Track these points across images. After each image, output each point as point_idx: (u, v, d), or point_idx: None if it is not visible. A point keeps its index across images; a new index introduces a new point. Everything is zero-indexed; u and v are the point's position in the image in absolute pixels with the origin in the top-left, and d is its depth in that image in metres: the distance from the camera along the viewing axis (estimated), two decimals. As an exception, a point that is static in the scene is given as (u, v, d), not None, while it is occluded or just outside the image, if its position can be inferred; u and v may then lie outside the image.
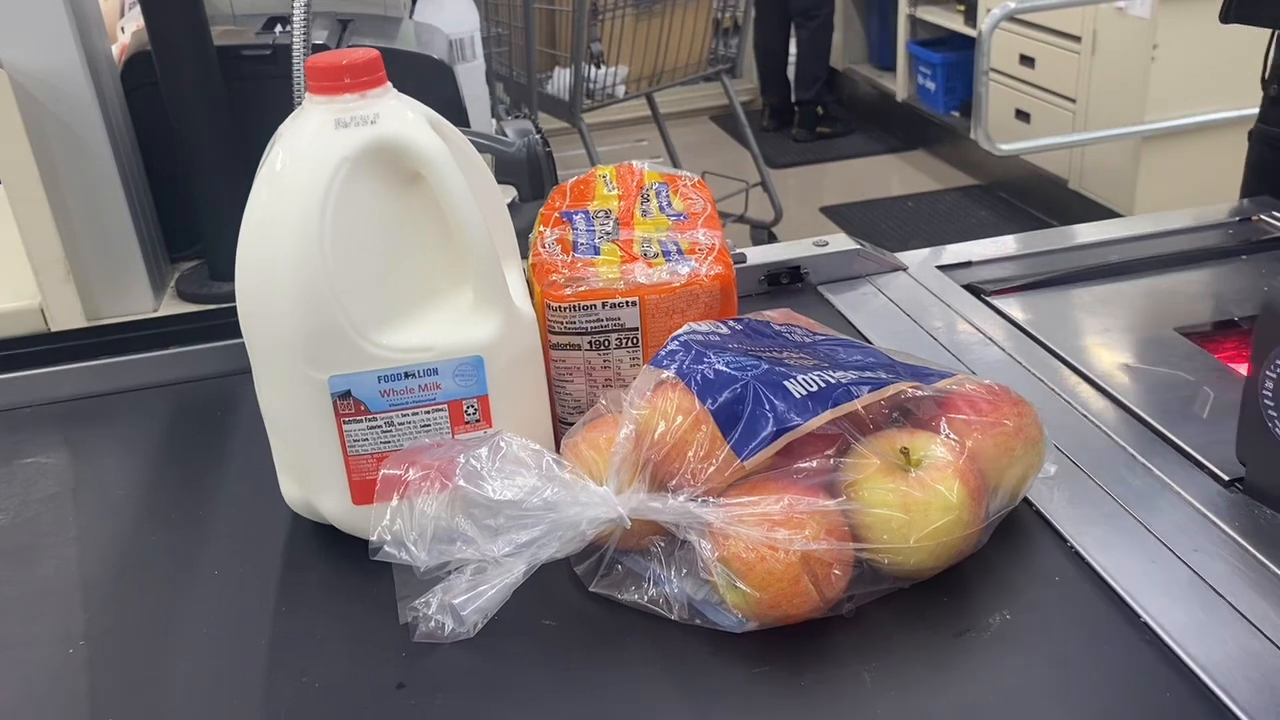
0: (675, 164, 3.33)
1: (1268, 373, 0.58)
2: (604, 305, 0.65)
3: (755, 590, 0.52)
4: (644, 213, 0.74)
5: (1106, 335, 0.79)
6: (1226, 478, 0.62)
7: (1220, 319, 0.79)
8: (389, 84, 0.57)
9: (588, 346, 0.66)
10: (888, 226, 3.47)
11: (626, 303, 0.65)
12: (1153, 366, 0.75)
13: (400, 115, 0.56)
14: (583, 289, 0.65)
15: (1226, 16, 0.52)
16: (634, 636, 0.55)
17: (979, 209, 3.54)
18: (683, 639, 0.54)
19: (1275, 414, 0.58)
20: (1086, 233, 0.97)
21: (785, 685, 0.52)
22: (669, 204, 0.75)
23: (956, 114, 3.79)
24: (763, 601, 0.52)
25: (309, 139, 0.56)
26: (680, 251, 0.69)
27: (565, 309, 0.64)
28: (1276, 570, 0.56)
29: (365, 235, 0.56)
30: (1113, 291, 0.87)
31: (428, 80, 1.07)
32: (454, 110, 1.08)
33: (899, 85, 4.07)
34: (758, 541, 0.52)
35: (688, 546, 0.54)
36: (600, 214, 0.73)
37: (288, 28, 0.95)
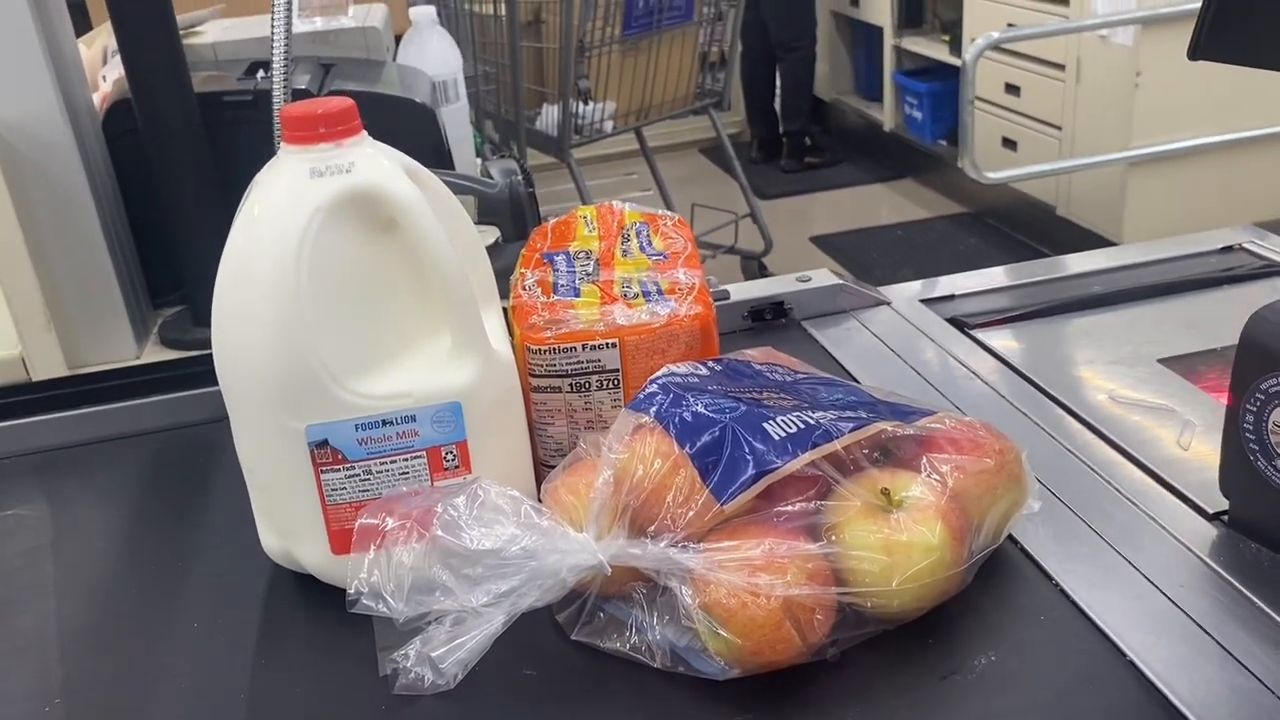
0: (664, 197, 3.35)
1: (1248, 405, 0.57)
2: (584, 347, 0.65)
3: (738, 637, 0.51)
4: (624, 253, 0.74)
5: (1090, 367, 0.79)
6: (1211, 511, 0.62)
7: (1202, 349, 0.79)
8: (365, 132, 0.58)
9: (569, 389, 0.65)
10: (878, 255, 3.48)
11: (606, 344, 0.65)
12: (1136, 399, 0.75)
13: (376, 163, 0.56)
14: (562, 331, 0.65)
15: (1194, 53, 0.52)
16: (616, 685, 0.54)
17: (968, 236, 3.56)
18: (666, 688, 0.54)
19: (1257, 446, 0.58)
20: (1069, 264, 0.97)
21: (769, 732, 0.52)
22: (649, 244, 0.75)
23: (944, 143, 3.82)
24: (745, 649, 0.51)
25: (284, 188, 0.56)
26: (660, 291, 0.69)
27: (545, 351, 0.64)
28: (1263, 606, 0.55)
29: (341, 283, 0.56)
30: (1096, 323, 0.87)
31: (410, 124, 1.07)
32: (437, 153, 1.08)
33: (886, 115, 4.10)
34: (739, 587, 0.51)
35: (669, 593, 0.54)
36: (581, 254, 0.73)
37: (269, 72, 0.95)
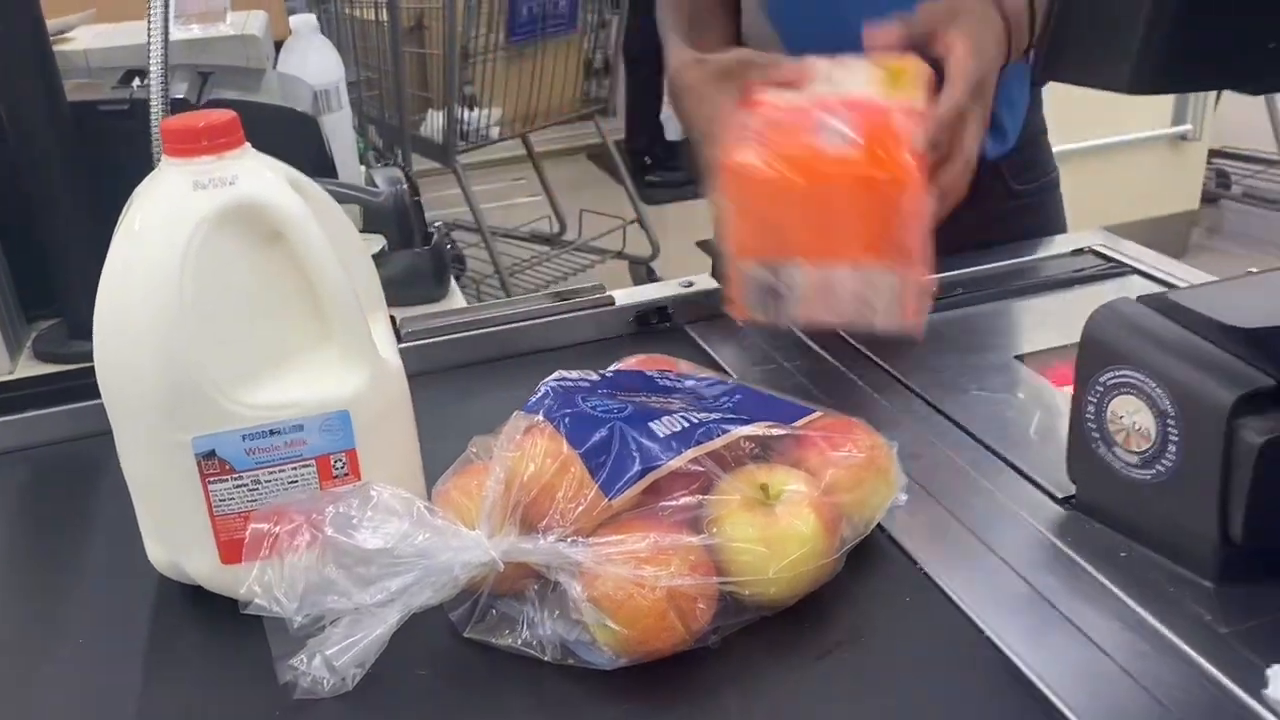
0: (552, 202, 3.36)
1: (1089, 397, 0.62)
2: None
3: (624, 628, 0.54)
4: None
5: (953, 365, 0.84)
6: (1060, 496, 0.67)
7: (1055, 345, 0.84)
8: (248, 144, 0.58)
9: None
10: (761, 259, 3.54)
11: None
12: (995, 393, 0.80)
13: (259, 176, 0.57)
14: None
15: (1039, 78, 0.57)
16: (509, 680, 0.56)
17: (849, 240, 3.66)
18: (557, 680, 0.56)
19: (1098, 435, 0.63)
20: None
21: (656, 717, 0.54)
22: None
23: (823, 149, 3.90)
24: (631, 638, 0.54)
25: (166, 201, 0.56)
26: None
27: None
28: (1105, 582, 0.60)
29: (226, 295, 0.57)
30: (959, 322, 0.92)
31: (292, 133, 1.07)
32: (319, 162, 1.08)
33: (768, 122, 4.18)
34: (625, 579, 0.54)
35: (559, 588, 0.56)
36: None
37: (146, 81, 0.94)
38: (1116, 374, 0.61)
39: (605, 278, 3.13)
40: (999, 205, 1.05)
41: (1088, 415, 0.63)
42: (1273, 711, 0.51)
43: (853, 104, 0.73)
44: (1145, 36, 0.53)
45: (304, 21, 1.35)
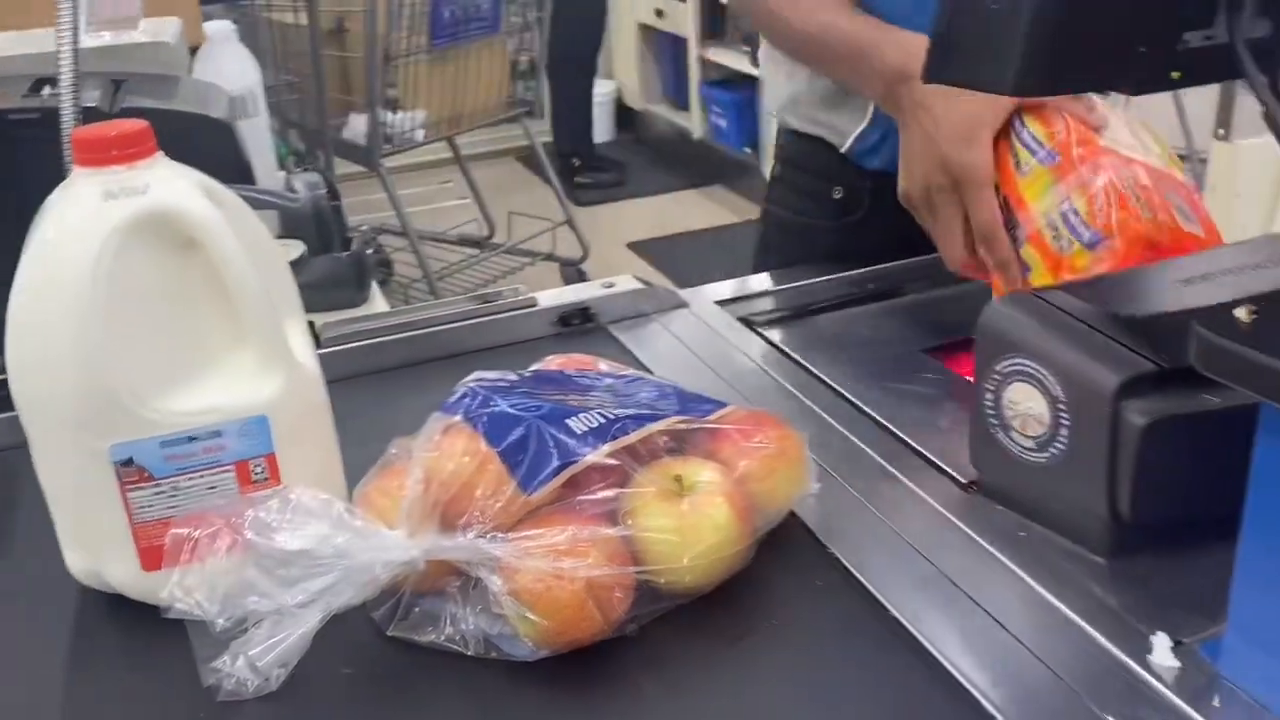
0: (480, 205, 3.36)
1: (986, 385, 0.65)
2: None
3: (544, 619, 0.55)
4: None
5: (864, 357, 0.87)
6: (965, 481, 0.70)
7: (958, 337, 0.88)
8: (160, 153, 0.58)
9: None
10: (690, 259, 3.59)
11: None
12: (906, 385, 0.83)
13: (171, 184, 0.57)
14: None
15: (926, 77, 0.60)
16: (433, 676, 0.57)
17: (775, 239, 3.71)
18: (480, 674, 0.57)
19: (996, 421, 0.66)
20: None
21: (578, 705, 0.56)
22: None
23: (749, 151, 3.97)
24: (551, 629, 0.55)
25: (78, 211, 0.56)
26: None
27: None
28: (1005, 560, 0.63)
29: (141, 303, 0.57)
30: (869, 316, 0.95)
31: (207, 140, 1.06)
32: (236, 168, 1.08)
33: (694, 124, 4.23)
34: (544, 572, 0.55)
35: (481, 584, 0.57)
36: None
37: (57, 89, 0.93)
38: (1011, 363, 0.64)
39: (536, 280, 3.15)
40: None
41: (986, 403, 0.66)
42: (1155, 675, 0.55)
43: (1165, 177, 0.76)
44: (1027, 40, 0.56)
45: (219, 27, 1.34)
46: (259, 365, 0.60)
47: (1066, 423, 0.61)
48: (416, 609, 0.59)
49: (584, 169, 4.10)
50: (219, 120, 1.07)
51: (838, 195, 1.09)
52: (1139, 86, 0.62)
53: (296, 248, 0.92)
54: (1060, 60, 0.57)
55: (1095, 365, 0.60)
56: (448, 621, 0.58)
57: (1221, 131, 1.91)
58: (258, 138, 1.30)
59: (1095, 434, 0.60)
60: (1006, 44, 0.56)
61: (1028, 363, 0.63)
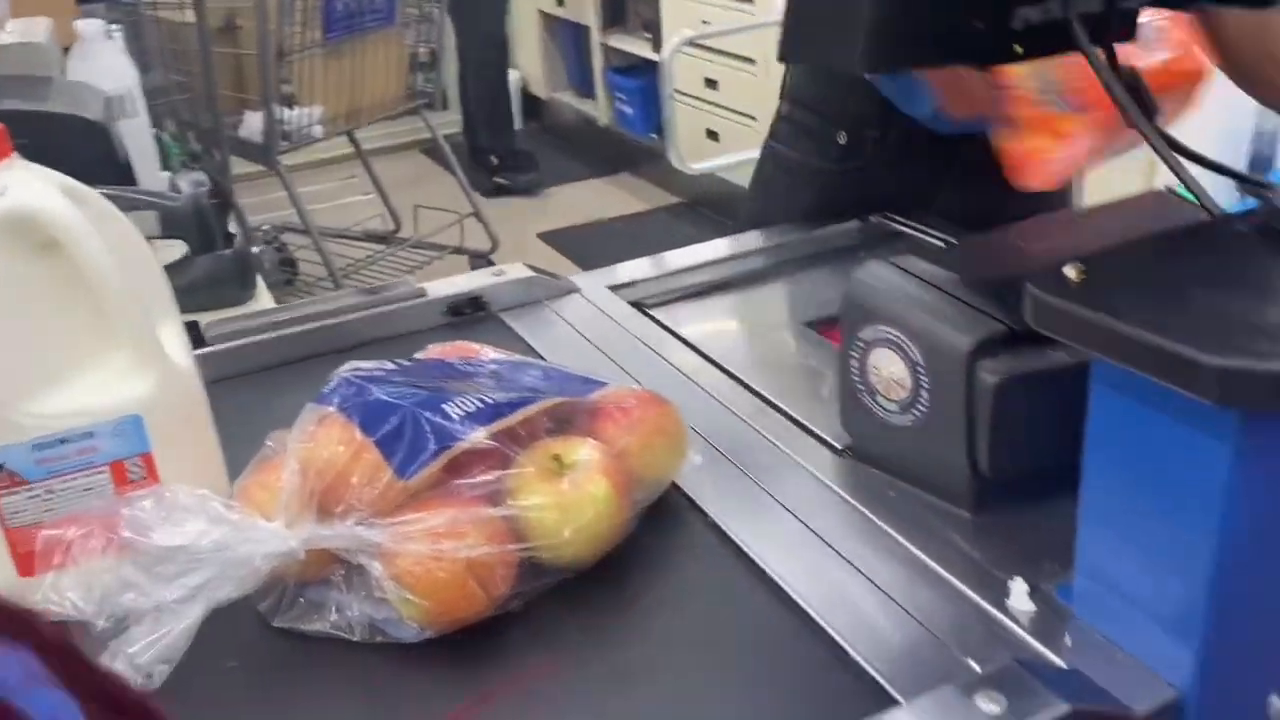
0: (385, 199, 3.32)
1: (852, 353, 0.68)
2: None
3: (425, 600, 0.56)
4: None
5: (748, 334, 0.90)
6: (839, 446, 0.73)
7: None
8: (16, 154, 0.58)
9: None
10: (600, 248, 3.60)
11: None
12: (785, 357, 0.86)
13: (29, 185, 0.57)
14: None
15: (781, 56, 0.62)
16: (321, 663, 0.58)
17: (684, 225, 3.74)
18: (368, 658, 0.58)
19: (863, 386, 0.68)
20: (735, 244, 1.08)
21: (467, 681, 0.57)
22: None
23: (655, 136, 3.99)
24: (434, 610, 0.56)
25: (-69, 215, 0.55)
26: None
27: None
28: (875, 519, 0.66)
29: (3, 306, 0.57)
30: (755, 294, 0.97)
31: (81, 141, 1.04)
32: (113, 169, 1.06)
33: (600, 111, 4.24)
34: (424, 555, 0.56)
35: (364, 571, 0.58)
36: None
37: (-82, 93, 0.90)
38: (874, 330, 0.66)
39: (445, 274, 3.11)
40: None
41: (853, 370, 0.68)
42: (1013, 619, 0.58)
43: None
44: (872, 19, 0.58)
45: (91, 26, 1.31)
46: (131, 365, 0.60)
47: (926, 385, 0.64)
48: (301, 599, 0.60)
49: (501, 168, 4.06)
50: (91, 121, 1.05)
51: (842, 140, 1.10)
52: (983, 60, 0.65)
53: (178, 248, 0.91)
54: (903, 38, 0.59)
55: (949, 329, 0.63)
56: (333, 609, 0.59)
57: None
58: (138, 137, 1.27)
59: (953, 395, 0.63)
60: (851, 25, 0.58)
61: (888, 330, 0.65)
